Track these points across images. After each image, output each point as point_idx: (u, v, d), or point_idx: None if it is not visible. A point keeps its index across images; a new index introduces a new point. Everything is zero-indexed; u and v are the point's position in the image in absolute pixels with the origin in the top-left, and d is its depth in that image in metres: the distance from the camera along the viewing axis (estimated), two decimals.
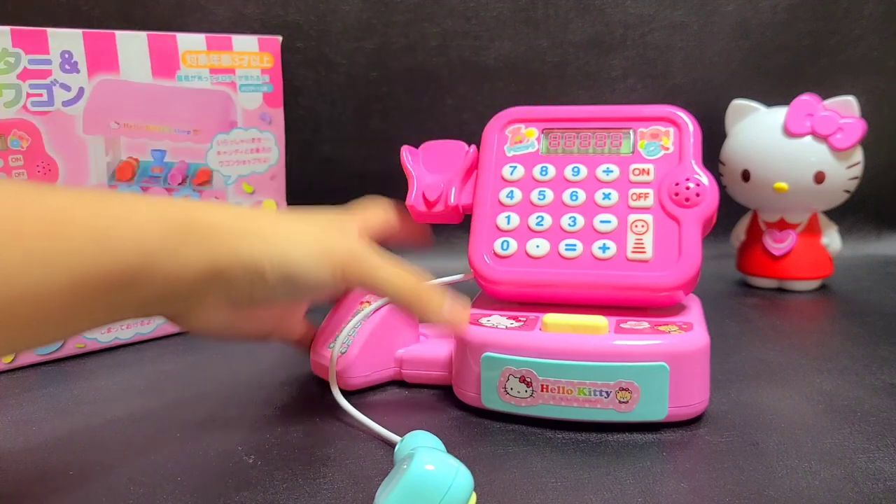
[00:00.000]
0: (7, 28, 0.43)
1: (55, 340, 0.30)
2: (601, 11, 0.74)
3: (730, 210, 0.67)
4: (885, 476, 0.31)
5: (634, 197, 0.42)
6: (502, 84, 0.65)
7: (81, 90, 0.46)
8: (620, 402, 0.36)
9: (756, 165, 0.61)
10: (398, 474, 0.28)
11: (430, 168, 0.46)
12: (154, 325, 0.52)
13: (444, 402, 0.40)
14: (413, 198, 0.45)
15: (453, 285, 0.42)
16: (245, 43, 0.53)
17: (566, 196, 0.43)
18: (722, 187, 0.63)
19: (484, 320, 0.40)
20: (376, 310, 0.42)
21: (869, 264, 0.73)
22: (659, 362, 0.36)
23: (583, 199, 0.43)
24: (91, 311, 0.27)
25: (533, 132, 0.45)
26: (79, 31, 0.46)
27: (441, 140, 0.47)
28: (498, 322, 0.39)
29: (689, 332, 0.37)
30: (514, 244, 0.42)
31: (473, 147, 0.46)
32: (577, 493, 0.30)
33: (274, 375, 0.45)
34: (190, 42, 0.51)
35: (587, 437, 0.35)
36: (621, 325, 0.38)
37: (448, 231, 0.51)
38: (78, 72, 0.46)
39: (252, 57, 0.53)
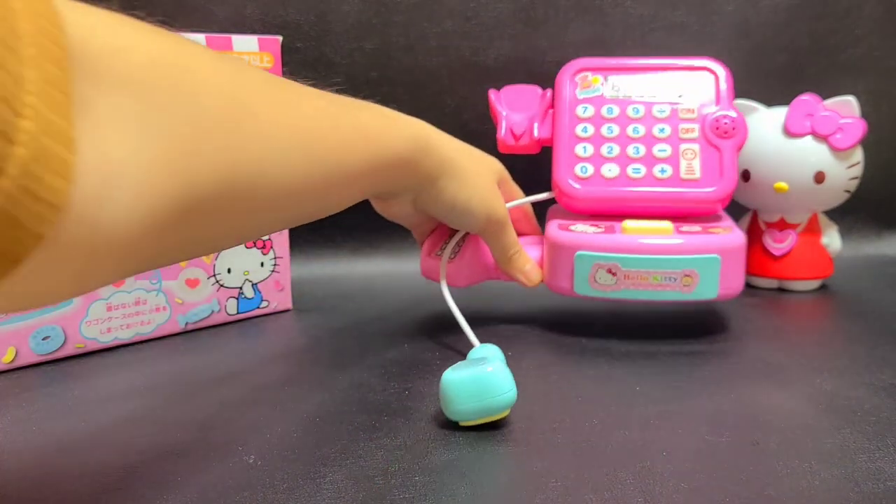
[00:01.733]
0: None
1: (333, 210, 0.38)
2: (601, 12, 0.74)
3: (730, 210, 0.67)
4: (886, 476, 0.31)
5: (684, 130, 0.53)
6: (502, 84, 0.65)
7: None
8: (685, 285, 0.47)
9: (756, 165, 0.61)
10: (473, 366, 0.36)
11: (511, 108, 0.57)
12: (154, 326, 0.52)
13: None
14: (503, 132, 0.56)
15: (540, 203, 0.56)
16: (245, 43, 0.53)
17: (630, 130, 0.54)
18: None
19: (573, 227, 0.50)
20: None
21: (869, 264, 0.73)
22: (713, 254, 0.47)
23: (643, 132, 0.54)
24: (376, 185, 0.40)
25: (598, 79, 0.56)
26: None
27: (519, 85, 0.59)
28: (584, 229, 0.50)
29: (732, 233, 0.49)
30: (591, 168, 0.53)
31: (549, 90, 0.57)
32: (577, 493, 0.30)
33: (274, 375, 0.45)
34: None
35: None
36: (681, 229, 0.49)
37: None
38: None
39: (252, 57, 0.53)
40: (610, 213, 0.52)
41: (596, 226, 0.50)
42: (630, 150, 0.53)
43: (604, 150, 0.53)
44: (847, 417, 0.37)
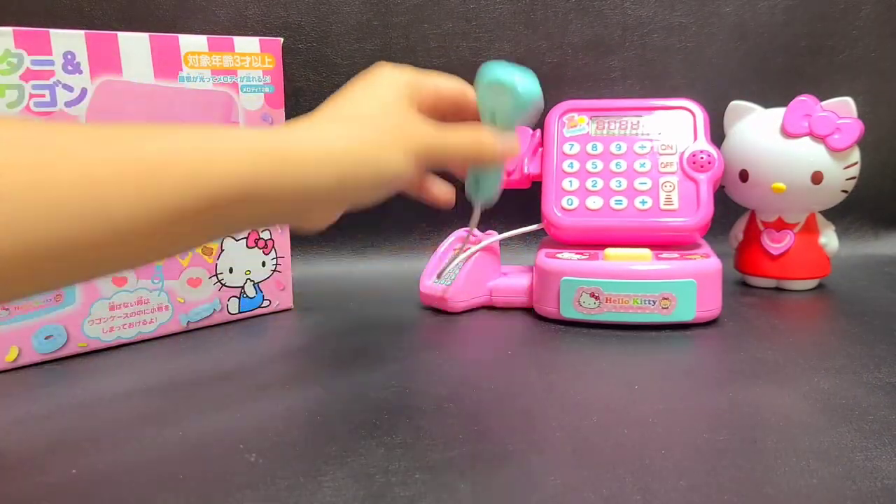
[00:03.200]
0: (9, 29, 0.44)
1: (168, 257, 0.33)
2: (600, 13, 0.74)
3: (728, 210, 0.67)
4: (883, 474, 0.31)
5: (663, 164, 0.58)
6: None
7: (84, 91, 0.46)
8: (663, 307, 0.51)
9: (754, 166, 0.61)
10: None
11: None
12: (156, 325, 0.52)
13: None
14: None
15: (529, 234, 0.61)
16: (247, 44, 0.53)
17: (612, 165, 0.59)
18: (720, 187, 0.63)
19: (559, 255, 0.55)
20: (471, 254, 0.57)
21: (866, 264, 0.73)
22: (689, 279, 0.50)
23: (625, 167, 0.59)
24: (199, 234, 0.31)
25: (583, 119, 0.61)
26: (81, 32, 0.46)
27: None
28: (569, 256, 0.54)
29: (708, 259, 0.53)
30: (576, 201, 0.58)
31: (538, 130, 0.62)
32: (576, 491, 0.30)
33: (275, 374, 0.45)
34: (192, 43, 0.51)
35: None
36: (660, 256, 0.53)
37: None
38: (80, 73, 0.46)
39: (254, 58, 0.54)
40: (595, 242, 0.57)
41: (581, 254, 0.55)
42: (613, 184, 0.58)
43: (588, 183, 0.58)
44: (844, 416, 0.37)
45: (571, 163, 0.60)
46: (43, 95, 0.45)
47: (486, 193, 0.46)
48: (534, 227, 0.61)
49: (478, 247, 0.57)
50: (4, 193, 0.24)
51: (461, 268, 0.57)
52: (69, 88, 0.46)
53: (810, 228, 0.63)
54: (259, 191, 0.30)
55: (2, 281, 0.26)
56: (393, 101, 0.37)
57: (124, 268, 0.31)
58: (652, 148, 0.59)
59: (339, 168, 0.33)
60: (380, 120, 0.36)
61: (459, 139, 0.40)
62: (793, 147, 0.60)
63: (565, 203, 0.58)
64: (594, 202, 0.58)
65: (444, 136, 0.38)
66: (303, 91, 0.72)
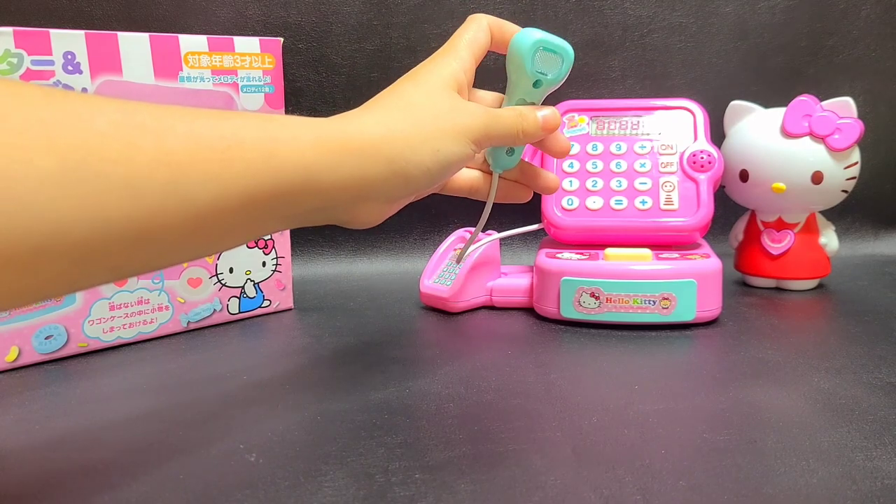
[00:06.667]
0: (10, 29, 0.44)
1: (230, 247, 0.32)
2: (600, 13, 0.74)
3: (728, 210, 0.67)
4: (883, 474, 0.31)
5: (663, 165, 0.58)
6: (502, 85, 0.65)
7: (84, 91, 0.46)
8: (663, 308, 0.50)
9: (754, 166, 0.61)
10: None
11: None
12: (156, 325, 0.52)
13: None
14: None
15: (529, 234, 0.61)
16: (247, 44, 0.53)
17: (613, 165, 0.59)
18: (720, 187, 0.63)
19: (559, 255, 0.55)
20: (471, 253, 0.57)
21: (866, 264, 0.73)
22: (689, 279, 0.50)
23: (625, 167, 0.59)
24: (261, 222, 0.31)
25: (584, 119, 0.61)
26: (81, 33, 0.46)
27: None
28: (570, 256, 0.54)
29: (708, 259, 0.53)
30: (576, 201, 0.58)
31: None
32: (576, 491, 0.30)
33: (275, 374, 0.45)
34: (192, 43, 0.51)
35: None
36: (660, 256, 0.53)
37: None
38: (81, 73, 0.46)
39: (254, 58, 0.54)
40: (595, 242, 0.57)
41: (581, 254, 0.55)
42: (613, 184, 0.58)
43: (588, 183, 0.59)
44: (844, 416, 0.37)
45: (571, 163, 0.60)
46: None
47: (507, 165, 0.44)
48: (534, 226, 0.61)
49: (477, 245, 0.57)
50: (82, 172, 0.24)
51: (461, 268, 0.57)
52: (70, 88, 0.46)
53: (810, 228, 0.63)
54: (321, 177, 0.31)
55: (79, 265, 0.25)
56: (440, 90, 0.37)
57: (189, 256, 0.30)
58: (652, 148, 0.59)
59: (395, 155, 0.33)
60: (431, 108, 0.36)
61: (508, 118, 0.39)
62: (793, 147, 0.60)
63: (565, 203, 0.58)
64: (594, 202, 0.58)
65: (495, 117, 0.38)
66: (303, 91, 0.72)
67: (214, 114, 0.29)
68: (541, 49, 0.41)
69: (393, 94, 0.37)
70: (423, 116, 0.35)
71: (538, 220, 0.60)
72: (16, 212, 0.23)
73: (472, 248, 0.57)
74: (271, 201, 0.29)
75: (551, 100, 0.65)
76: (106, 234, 0.25)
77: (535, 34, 0.41)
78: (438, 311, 0.58)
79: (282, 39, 0.56)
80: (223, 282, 0.55)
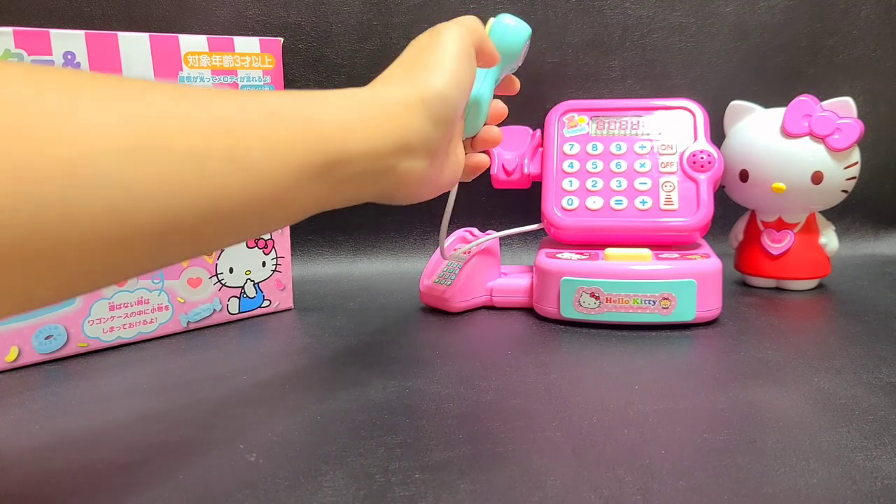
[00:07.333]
0: (9, 29, 0.44)
1: (288, 221, 0.32)
2: (600, 13, 0.74)
3: (728, 210, 0.67)
4: (883, 474, 0.31)
5: (663, 164, 0.58)
6: None
7: None
8: (663, 308, 0.51)
9: (754, 166, 0.61)
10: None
11: (503, 147, 0.61)
12: (156, 325, 0.52)
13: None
14: (496, 169, 0.61)
15: (529, 233, 0.62)
16: (247, 44, 0.53)
17: (613, 165, 0.59)
18: (720, 187, 0.63)
19: (559, 255, 0.55)
20: (470, 253, 0.57)
21: (866, 264, 0.73)
22: (689, 279, 0.50)
23: (625, 167, 0.59)
24: (314, 189, 0.31)
25: (584, 119, 0.61)
26: (81, 33, 0.46)
27: (511, 125, 0.61)
28: (569, 256, 0.54)
29: (708, 259, 0.53)
30: (576, 201, 0.58)
31: (538, 130, 0.62)
32: (576, 491, 0.30)
33: (275, 374, 0.45)
34: (192, 43, 0.51)
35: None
36: (660, 256, 0.53)
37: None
38: None
39: (254, 58, 0.54)
40: (594, 242, 0.57)
41: (581, 254, 0.55)
42: (613, 184, 0.58)
43: (588, 183, 0.59)
44: (844, 416, 0.37)
45: (571, 163, 0.60)
46: None
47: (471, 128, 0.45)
48: (534, 226, 0.61)
49: (475, 243, 0.58)
50: (151, 144, 0.24)
51: (461, 268, 0.57)
52: None
53: (810, 228, 0.63)
54: (360, 134, 0.32)
55: (159, 242, 0.25)
56: (454, 43, 0.39)
57: (253, 230, 0.30)
58: (652, 148, 0.59)
59: (435, 109, 0.36)
60: (451, 60, 0.38)
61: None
62: (793, 147, 0.60)
63: (565, 203, 0.58)
64: (594, 202, 0.58)
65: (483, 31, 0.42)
66: None
67: (246, 91, 0.30)
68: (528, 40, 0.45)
69: (408, 58, 0.40)
70: (446, 70, 0.38)
71: (538, 220, 0.60)
72: (105, 187, 0.22)
73: (473, 244, 0.58)
74: (320, 164, 0.30)
75: (551, 100, 0.65)
76: (179, 207, 0.25)
77: (522, 24, 0.45)
78: (438, 311, 0.58)
79: (282, 39, 0.56)
80: (223, 282, 0.55)
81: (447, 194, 0.46)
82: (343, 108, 0.32)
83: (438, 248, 0.56)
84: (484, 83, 0.44)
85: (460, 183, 0.45)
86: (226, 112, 0.27)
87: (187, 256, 0.29)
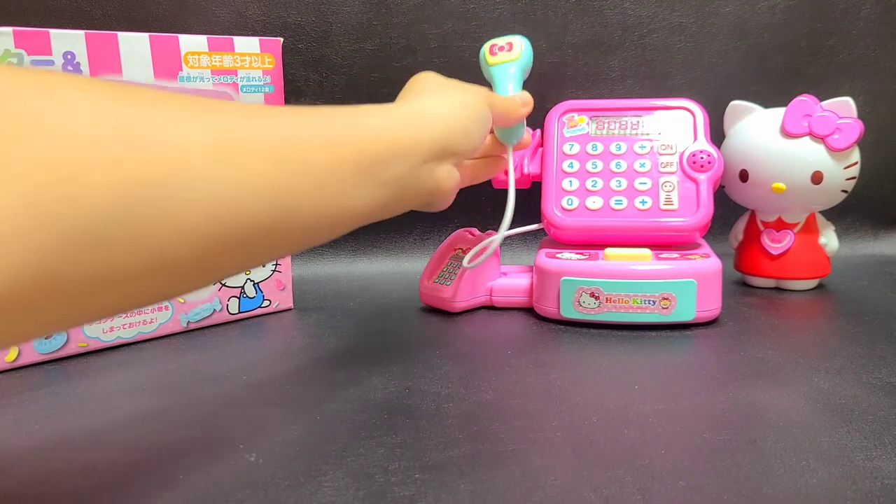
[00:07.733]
0: (9, 29, 0.44)
1: (344, 229, 0.34)
2: (600, 13, 0.74)
3: (728, 210, 0.67)
4: (883, 474, 0.31)
5: (663, 164, 0.58)
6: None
7: None
8: (662, 308, 0.51)
9: (754, 166, 0.61)
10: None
11: None
12: (156, 325, 0.52)
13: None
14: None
15: (529, 233, 0.62)
16: (247, 44, 0.53)
17: (612, 165, 0.59)
18: (720, 187, 0.63)
19: (559, 255, 0.55)
20: (471, 254, 0.56)
21: (866, 264, 0.73)
22: (689, 279, 0.50)
23: (625, 167, 0.59)
24: (363, 188, 0.33)
25: (584, 119, 0.61)
26: (81, 32, 0.46)
27: None
28: (569, 256, 0.54)
29: (708, 259, 0.53)
30: (576, 201, 0.58)
31: (538, 131, 0.62)
32: (576, 491, 0.30)
33: (275, 374, 0.45)
34: (192, 43, 0.51)
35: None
36: (660, 256, 0.53)
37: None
38: (80, 73, 0.46)
39: (254, 58, 0.54)
40: (594, 242, 0.57)
41: (581, 254, 0.55)
42: (613, 184, 0.58)
43: (588, 183, 0.59)
44: (844, 416, 0.37)
45: (571, 163, 0.60)
46: None
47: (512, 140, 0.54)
48: (534, 226, 0.61)
49: (487, 253, 0.55)
50: (238, 148, 0.26)
51: (461, 267, 0.57)
52: None
53: (810, 228, 0.63)
54: (401, 137, 0.35)
55: (248, 240, 0.27)
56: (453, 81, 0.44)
57: (320, 232, 0.32)
58: (652, 148, 0.59)
59: (458, 123, 0.40)
60: (461, 87, 0.44)
61: (505, 103, 0.50)
62: (793, 147, 0.60)
63: (565, 203, 0.58)
64: (594, 202, 0.58)
65: (499, 99, 0.49)
66: (303, 91, 0.72)
67: (298, 106, 0.32)
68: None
69: (415, 91, 0.43)
70: (462, 92, 0.43)
71: (538, 220, 0.60)
72: (201, 188, 0.24)
73: (485, 256, 0.56)
74: (371, 162, 0.33)
75: (551, 100, 0.65)
76: (262, 207, 0.27)
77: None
78: (438, 311, 0.58)
79: (282, 39, 0.56)
80: (223, 282, 0.55)
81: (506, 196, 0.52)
82: (383, 114, 0.36)
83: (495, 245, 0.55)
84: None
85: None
86: (290, 120, 0.30)
87: (266, 259, 0.31)
